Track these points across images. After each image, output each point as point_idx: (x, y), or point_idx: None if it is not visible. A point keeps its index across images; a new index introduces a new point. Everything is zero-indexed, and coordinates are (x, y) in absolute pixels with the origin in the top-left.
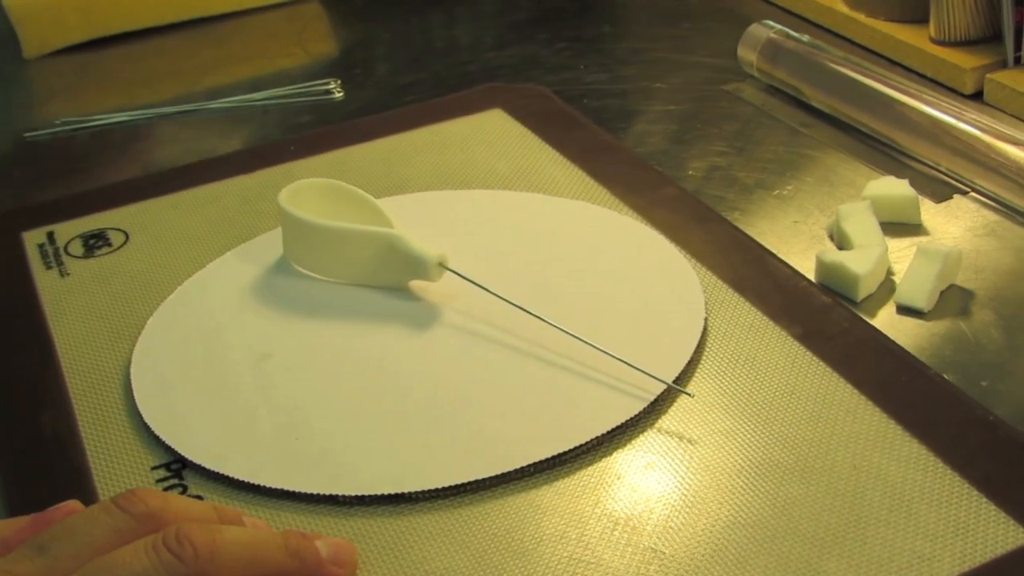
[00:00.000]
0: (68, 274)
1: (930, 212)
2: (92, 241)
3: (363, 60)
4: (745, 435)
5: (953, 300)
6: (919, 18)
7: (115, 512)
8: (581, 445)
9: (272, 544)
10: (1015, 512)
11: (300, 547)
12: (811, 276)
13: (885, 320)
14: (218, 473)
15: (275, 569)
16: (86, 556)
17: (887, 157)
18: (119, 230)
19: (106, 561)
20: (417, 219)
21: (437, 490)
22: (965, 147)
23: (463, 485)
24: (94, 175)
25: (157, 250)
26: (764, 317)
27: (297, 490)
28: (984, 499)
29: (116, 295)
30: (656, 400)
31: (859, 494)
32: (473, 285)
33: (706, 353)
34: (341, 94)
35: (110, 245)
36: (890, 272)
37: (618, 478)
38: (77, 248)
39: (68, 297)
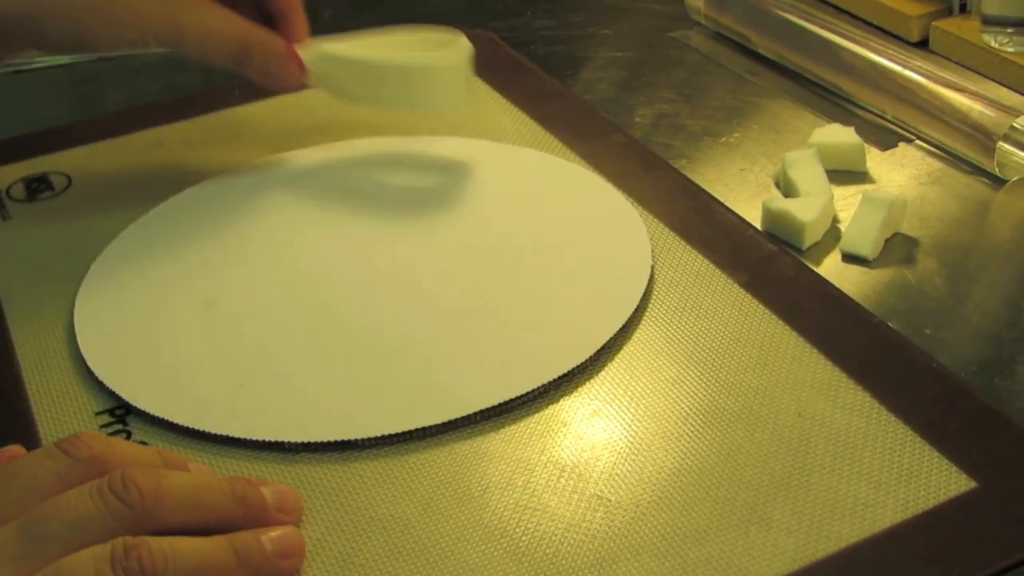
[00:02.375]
0: (9, 217)
1: (876, 160)
2: (34, 185)
3: (308, 4)
4: (690, 382)
5: (898, 248)
6: None
7: (59, 456)
8: (528, 393)
9: (218, 489)
10: (958, 459)
11: (245, 493)
12: (757, 224)
13: (830, 268)
14: (162, 419)
15: (220, 514)
16: (30, 500)
17: (833, 105)
18: (61, 174)
19: (50, 505)
20: (363, 166)
21: (383, 437)
22: (910, 95)
23: (409, 432)
24: (36, 118)
25: (100, 194)
26: (710, 264)
27: (242, 437)
28: (927, 446)
29: (59, 239)
30: (603, 348)
31: (803, 441)
32: (423, 237)
33: (652, 300)
34: None
35: (52, 189)
36: (835, 220)
37: (564, 425)
38: (19, 192)
39: (10, 241)
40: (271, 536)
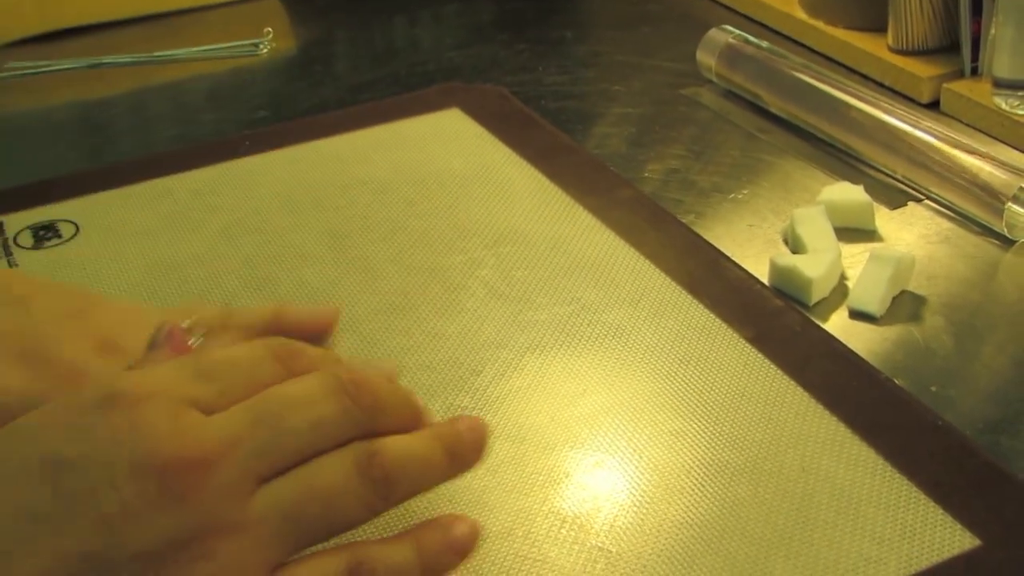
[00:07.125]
0: (17, 265)
1: (884, 218)
2: (42, 232)
3: (322, 58)
4: (695, 436)
5: (905, 306)
6: (878, 27)
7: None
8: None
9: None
10: (962, 517)
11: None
12: (765, 279)
13: (837, 324)
14: None
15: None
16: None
17: (843, 163)
18: (69, 222)
19: (282, 398)
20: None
21: None
22: (920, 155)
23: None
24: (46, 166)
25: (108, 242)
26: (717, 319)
27: None
28: (931, 503)
29: None
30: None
31: (807, 496)
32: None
33: (658, 354)
34: (267, 50)
35: (60, 237)
36: (843, 277)
37: (566, 476)
38: (27, 239)
39: None
40: (465, 424)
